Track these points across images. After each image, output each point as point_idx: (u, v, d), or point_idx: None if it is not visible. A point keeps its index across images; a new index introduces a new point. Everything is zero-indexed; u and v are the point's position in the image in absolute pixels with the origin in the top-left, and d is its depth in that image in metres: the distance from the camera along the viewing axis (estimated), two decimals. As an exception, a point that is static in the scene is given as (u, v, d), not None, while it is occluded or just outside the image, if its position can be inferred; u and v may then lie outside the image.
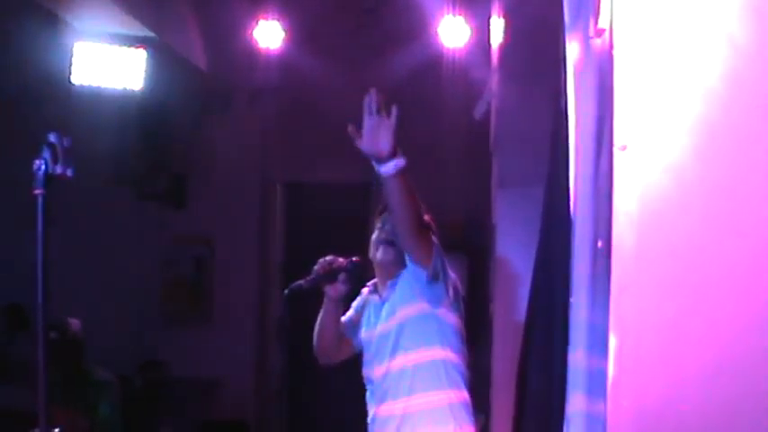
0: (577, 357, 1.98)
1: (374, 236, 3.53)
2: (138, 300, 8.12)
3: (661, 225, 1.48)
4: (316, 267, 3.46)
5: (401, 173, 2.97)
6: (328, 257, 3.49)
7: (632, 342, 1.47)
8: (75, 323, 5.08)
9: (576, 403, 1.96)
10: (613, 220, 1.47)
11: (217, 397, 8.08)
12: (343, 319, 3.67)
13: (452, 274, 3.41)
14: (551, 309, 3.25)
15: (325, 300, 3.54)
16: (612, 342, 1.47)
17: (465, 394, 3.42)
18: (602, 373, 1.49)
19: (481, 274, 6.46)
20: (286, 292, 3.36)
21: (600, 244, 1.62)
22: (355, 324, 3.64)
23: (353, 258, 3.51)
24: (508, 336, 4.43)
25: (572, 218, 2.25)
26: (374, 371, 3.46)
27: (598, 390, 1.53)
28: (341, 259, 3.49)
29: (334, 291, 3.49)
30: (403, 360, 3.36)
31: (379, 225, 3.52)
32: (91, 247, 7.92)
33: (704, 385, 1.47)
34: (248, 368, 8.20)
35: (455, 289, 3.41)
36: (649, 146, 1.49)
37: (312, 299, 3.55)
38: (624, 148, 1.49)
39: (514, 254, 4.65)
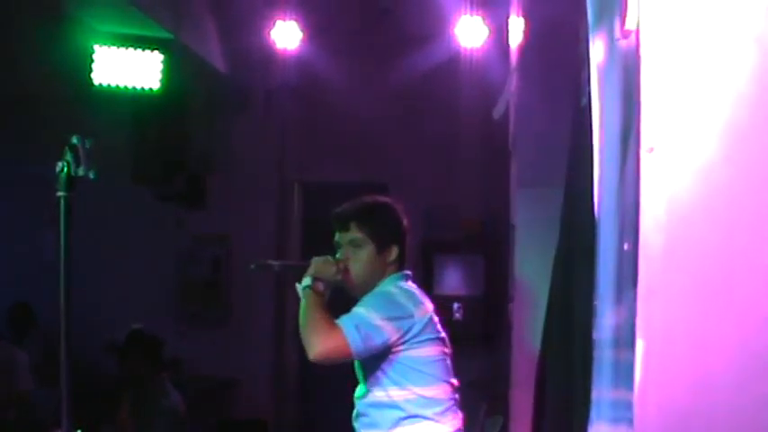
0: (603, 359, 1.98)
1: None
2: (156, 299, 8.16)
3: (689, 228, 1.48)
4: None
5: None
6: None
7: (659, 345, 1.47)
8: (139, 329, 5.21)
9: (602, 405, 1.95)
10: (640, 223, 1.47)
11: (234, 397, 8.10)
12: None
13: (407, 306, 3.15)
14: (571, 310, 3.24)
15: (311, 293, 3.17)
16: (639, 345, 1.47)
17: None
18: (629, 376, 1.48)
19: (499, 274, 6.45)
20: (252, 266, 3.30)
21: (626, 246, 1.61)
22: None
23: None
24: (527, 336, 4.43)
25: (595, 219, 2.24)
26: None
27: (625, 393, 1.52)
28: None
29: (321, 285, 3.19)
30: (368, 395, 3.23)
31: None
32: (109, 246, 7.96)
33: (732, 389, 1.46)
34: (265, 368, 8.21)
35: (409, 321, 3.12)
36: (677, 148, 1.49)
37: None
38: (651, 150, 1.48)
39: (533, 254, 4.64)
